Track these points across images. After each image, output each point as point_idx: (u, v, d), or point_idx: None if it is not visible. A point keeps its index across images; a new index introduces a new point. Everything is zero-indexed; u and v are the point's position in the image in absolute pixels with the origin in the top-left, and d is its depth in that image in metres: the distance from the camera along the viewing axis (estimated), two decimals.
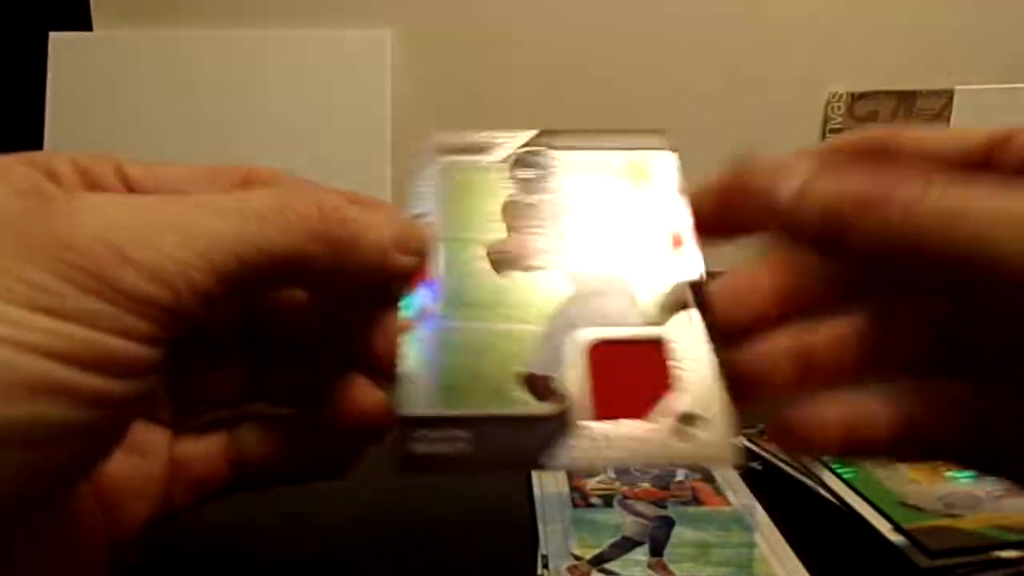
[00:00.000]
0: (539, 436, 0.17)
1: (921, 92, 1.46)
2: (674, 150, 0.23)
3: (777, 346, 0.20)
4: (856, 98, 1.54)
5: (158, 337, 0.14)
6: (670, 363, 0.18)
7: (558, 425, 0.17)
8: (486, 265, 0.20)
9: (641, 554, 0.27)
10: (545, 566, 0.26)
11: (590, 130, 0.23)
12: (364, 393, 0.20)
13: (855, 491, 0.29)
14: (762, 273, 0.21)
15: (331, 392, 0.20)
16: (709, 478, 0.33)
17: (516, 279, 0.20)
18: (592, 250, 0.21)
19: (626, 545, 0.28)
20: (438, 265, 0.19)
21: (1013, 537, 0.25)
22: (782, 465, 0.33)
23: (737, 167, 0.19)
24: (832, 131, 1.56)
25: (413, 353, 0.18)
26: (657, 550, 0.27)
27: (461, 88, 1.69)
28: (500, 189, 0.21)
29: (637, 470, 0.34)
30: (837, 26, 1.57)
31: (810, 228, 0.18)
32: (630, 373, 0.18)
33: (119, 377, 0.14)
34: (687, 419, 0.18)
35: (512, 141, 0.23)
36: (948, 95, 1.45)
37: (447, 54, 1.65)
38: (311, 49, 1.57)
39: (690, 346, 0.18)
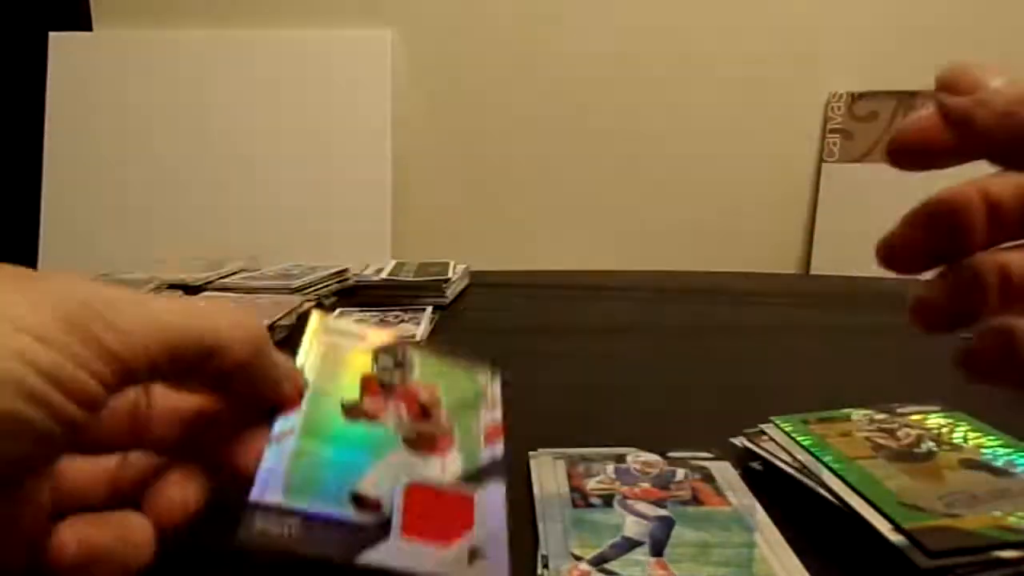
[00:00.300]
0: (356, 539, 0.23)
1: (921, 92, 1.46)
2: (495, 374, 0.32)
3: (985, 261, 0.21)
4: (856, 98, 1.54)
5: (112, 384, 0.19)
6: (473, 512, 0.26)
7: (372, 533, 0.23)
8: (339, 413, 0.27)
9: (641, 554, 0.27)
10: (545, 566, 0.26)
11: (443, 349, 0.33)
12: (186, 488, 0.24)
13: (855, 491, 0.29)
14: (972, 195, 0.21)
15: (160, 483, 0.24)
16: (709, 478, 0.33)
17: (360, 426, 0.27)
18: (423, 421, 0.29)
19: (626, 545, 0.28)
20: (304, 404, 0.26)
21: (1013, 537, 0.25)
22: (782, 465, 0.33)
23: (935, 100, 0.22)
24: (832, 131, 1.56)
25: (272, 459, 0.24)
26: (657, 550, 0.27)
27: (461, 88, 1.68)
28: (363, 367, 0.29)
29: (637, 470, 0.34)
30: (837, 26, 1.57)
31: (998, 140, 0.20)
32: (440, 511, 0.25)
33: (77, 404, 0.18)
34: (475, 552, 0.24)
35: (382, 335, 0.31)
36: None
37: (447, 54, 1.64)
38: (312, 49, 1.57)
39: (488, 505, 0.26)
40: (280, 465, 0.24)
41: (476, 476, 0.27)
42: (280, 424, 0.26)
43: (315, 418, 0.26)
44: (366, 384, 0.29)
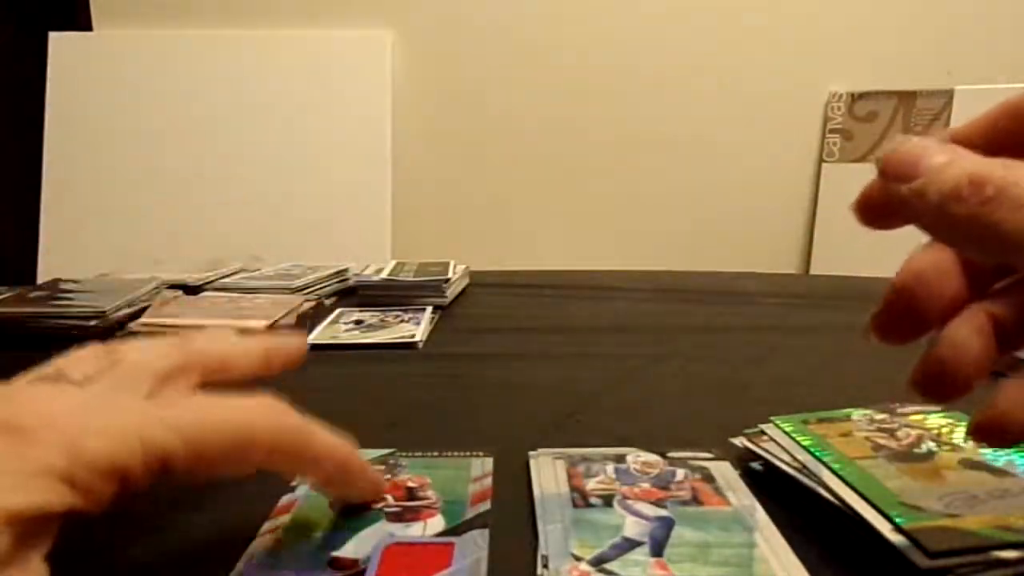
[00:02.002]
0: None
1: (921, 92, 1.46)
2: (487, 463, 0.35)
3: (965, 324, 0.21)
4: (856, 98, 1.54)
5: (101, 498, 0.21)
6: (451, 556, 0.27)
7: None
8: (327, 507, 0.30)
9: (641, 554, 0.27)
10: (545, 566, 0.26)
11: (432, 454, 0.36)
12: None
13: (855, 491, 0.29)
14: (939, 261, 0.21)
15: None
16: (709, 478, 0.33)
17: (347, 517, 0.30)
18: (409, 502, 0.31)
19: (626, 545, 0.28)
20: (299, 504, 0.31)
21: (1013, 537, 0.25)
22: (782, 465, 0.33)
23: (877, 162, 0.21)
24: (832, 131, 1.56)
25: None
26: (657, 550, 0.27)
27: (461, 88, 1.68)
28: None
29: (637, 470, 0.34)
30: (837, 26, 1.57)
31: (935, 234, 0.20)
32: (417, 560, 0.27)
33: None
34: None
35: (371, 455, 0.34)
36: (948, 95, 1.44)
37: (447, 54, 1.64)
38: (312, 49, 1.57)
39: (469, 548, 0.27)
40: (264, 549, 0.27)
41: (459, 528, 0.29)
42: (268, 524, 0.29)
43: (303, 515, 0.30)
44: None
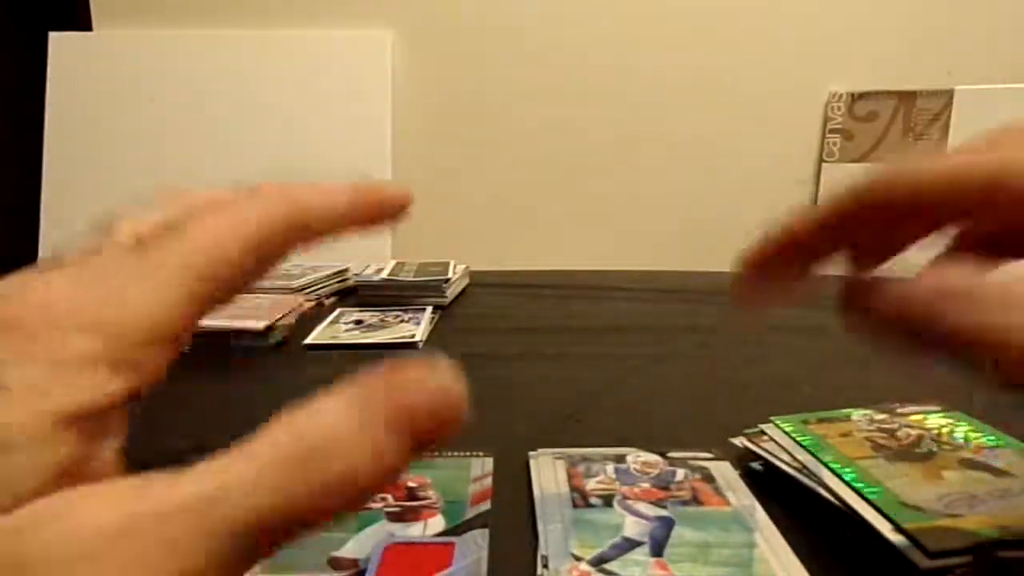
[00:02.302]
0: None
1: (921, 92, 1.45)
2: (487, 461, 0.35)
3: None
4: (856, 98, 1.54)
5: None
6: (451, 556, 0.27)
7: None
8: None
9: (641, 554, 0.27)
10: (545, 566, 0.26)
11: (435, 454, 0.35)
12: None
13: (855, 491, 0.29)
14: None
15: None
16: (709, 478, 0.33)
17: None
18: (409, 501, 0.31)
19: (626, 545, 0.28)
20: None
21: (1013, 537, 0.25)
22: (782, 465, 0.33)
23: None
24: (832, 131, 1.56)
25: None
26: (657, 550, 0.27)
27: (461, 89, 1.68)
28: None
29: (637, 470, 0.34)
30: (837, 26, 1.57)
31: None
32: (417, 560, 0.27)
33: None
34: None
35: None
36: (948, 95, 1.44)
37: (447, 55, 1.64)
38: (312, 49, 1.57)
39: (470, 547, 0.28)
40: None
41: (459, 529, 0.29)
42: None
43: None
44: None
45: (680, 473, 0.33)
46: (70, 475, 0.16)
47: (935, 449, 0.33)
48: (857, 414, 0.37)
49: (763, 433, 0.36)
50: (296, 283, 0.75)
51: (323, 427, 0.16)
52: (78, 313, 0.17)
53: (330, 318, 0.66)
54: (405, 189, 0.22)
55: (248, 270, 0.19)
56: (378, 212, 0.22)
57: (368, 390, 0.16)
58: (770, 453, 0.34)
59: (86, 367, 0.17)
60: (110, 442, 0.17)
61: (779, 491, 0.32)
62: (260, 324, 0.59)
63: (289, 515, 0.15)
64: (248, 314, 0.63)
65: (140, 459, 0.18)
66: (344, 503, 0.16)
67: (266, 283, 0.78)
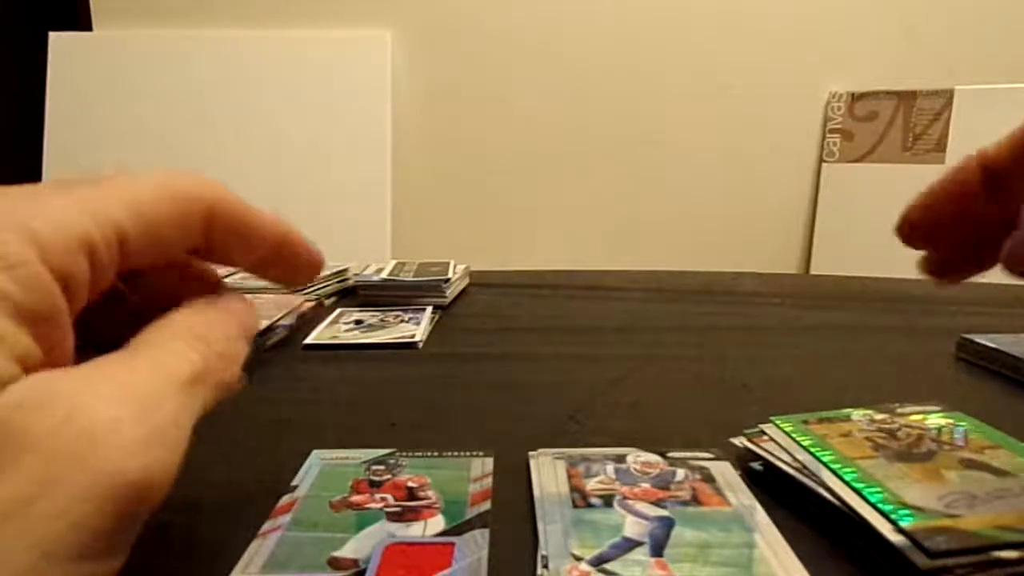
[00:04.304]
0: None
1: (921, 92, 1.46)
2: (488, 456, 0.35)
3: None
4: (856, 98, 1.54)
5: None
6: (451, 556, 0.27)
7: None
8: (327, 508, 0.30)
9: (641, 554, 0.27)
10: (545, 566, 0.26)
11: (432, 454, 0.36)
12: None
13: (855, 491, 0.29)
14: None
15: None
16: (709, 478, 0.33)
17: (346, 514, 0.30)
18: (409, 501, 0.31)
19: (626, 545, 0.28)
20: (296, 507, 0.31)
21: (1013, 537, 0.25)
22: (782, 465, 0.33)
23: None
24: (832, 131, 1.56)
25: (254, 548, 0.27)
26: (657, 550, 0.27)
27: (461, 88, 1.68)
28: (355, 478, 0.33)
29: (637, 470, 0.34)
30: (837, 26, 1.57)
31: None
32: (417, 560, 0.27)
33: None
34: None
35: (371, 455, 0.35)
36: (948, 95, 1.45)
37: (447, 54, 1.65)
38: (311, 49, 1.57)
39: (470, 547, 0.27)
40: (264, 549, 0.27)
41: (459, 529, 0.29)
42: (269, 524, 0.29)
43: (303, 515, 0.30)
44: (356, 485, 0.32)
45: (680, 473, 0.33)
46: (32, 368, 0.17)
47: (935, 449, 0.33)
48: (857, 414, 0.37)
49: (763, 433, 0.36)
50: None
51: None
52: (9, 218, 0.18)
53: (330, 318, 0.66)
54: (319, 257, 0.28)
55: (170, 236, 0.23)
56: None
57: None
58: (770, 453, 0.34)
59: (27, 268, 0.18)
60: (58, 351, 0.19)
61: (779, 491, 0.32)
62: (260, 324, 0.59)
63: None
64: None
65: None
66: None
67: (266, 283, 0.78)
